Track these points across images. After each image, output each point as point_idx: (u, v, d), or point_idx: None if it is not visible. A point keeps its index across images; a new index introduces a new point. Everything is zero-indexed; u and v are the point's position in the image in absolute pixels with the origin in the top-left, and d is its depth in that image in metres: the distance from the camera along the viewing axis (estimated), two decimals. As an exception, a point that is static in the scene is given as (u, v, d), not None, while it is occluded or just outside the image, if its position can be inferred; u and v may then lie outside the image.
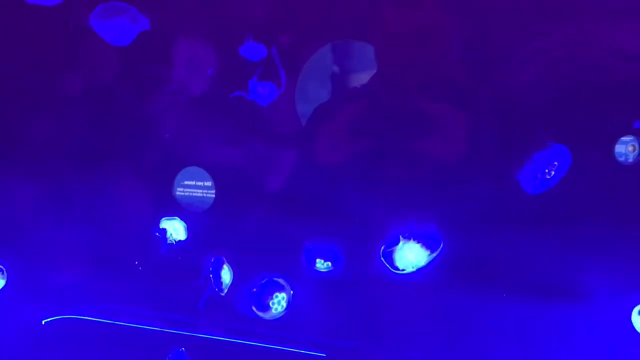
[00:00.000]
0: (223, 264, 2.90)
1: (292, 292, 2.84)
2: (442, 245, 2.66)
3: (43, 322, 3.26)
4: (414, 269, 2.70)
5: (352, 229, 2.88)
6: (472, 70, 2.77)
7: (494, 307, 2.79)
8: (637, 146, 2.64)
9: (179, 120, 3.03)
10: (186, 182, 3.12)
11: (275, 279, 2.83)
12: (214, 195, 3.10)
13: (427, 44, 2.79)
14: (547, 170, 2.60)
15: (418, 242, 2.67)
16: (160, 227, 3.04)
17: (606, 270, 2.65)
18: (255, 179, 3.00)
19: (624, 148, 2.65)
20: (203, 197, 3.11)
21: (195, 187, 3.11)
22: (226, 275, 2.90)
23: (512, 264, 2.75)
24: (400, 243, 2.68)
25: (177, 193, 3.14)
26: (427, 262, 2.69)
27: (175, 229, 3.04)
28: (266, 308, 2.83)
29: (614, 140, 2.62)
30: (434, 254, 2.68)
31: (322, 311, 2.98)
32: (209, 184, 3.10)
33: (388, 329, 2.93)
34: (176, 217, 3.05)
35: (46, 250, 3.24)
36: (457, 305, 2.83)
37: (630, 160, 2.64)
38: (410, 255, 2.68)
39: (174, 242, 2.99)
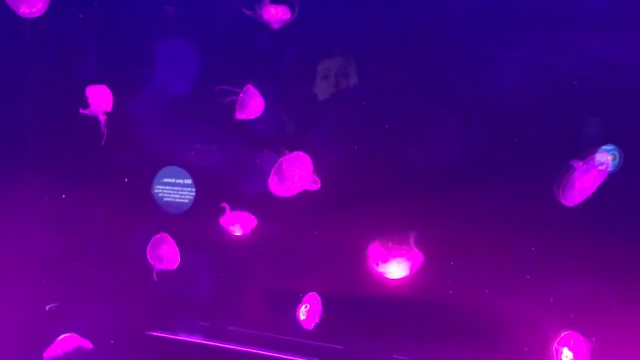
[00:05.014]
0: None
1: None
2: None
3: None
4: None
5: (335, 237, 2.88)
6: (451, 78, 2.74)
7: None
8: (617, 155, 2.58)
9: (157, 120, 3.06)
10: (165, 180, 3.14)
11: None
12: (193, 194, 3.13)
13: (406, 56, 2.78)
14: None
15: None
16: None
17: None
18: (235, 180, 3.01)
19: (604, 157, 2.60)
20: (182, 195, 3.14)
21: (175, 185, 3.13)
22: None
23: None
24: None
25: (156, 191, 3.18)
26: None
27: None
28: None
29: (593, 148, 2.56)
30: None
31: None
32: (188, 182, 3.13)
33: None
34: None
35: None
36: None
37: (610, 168, 2.58)
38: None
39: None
